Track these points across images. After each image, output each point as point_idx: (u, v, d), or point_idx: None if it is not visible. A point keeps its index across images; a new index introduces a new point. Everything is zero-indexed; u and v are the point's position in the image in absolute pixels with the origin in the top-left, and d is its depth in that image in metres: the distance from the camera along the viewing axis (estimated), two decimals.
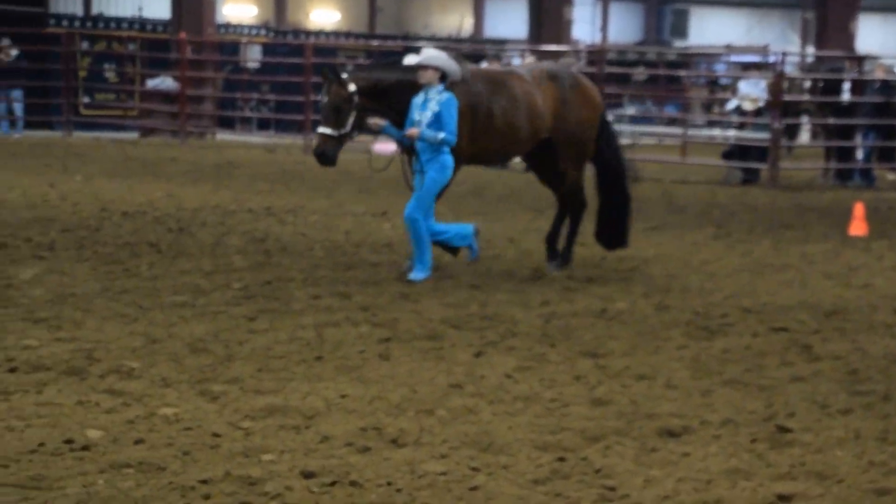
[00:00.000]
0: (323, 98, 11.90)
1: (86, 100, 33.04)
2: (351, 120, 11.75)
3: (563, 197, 13.08)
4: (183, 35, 30.82)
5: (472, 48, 35.22)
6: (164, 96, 31.97)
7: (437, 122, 11.54)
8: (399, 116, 11.80)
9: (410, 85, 11.75)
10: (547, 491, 5.92)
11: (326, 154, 11.73)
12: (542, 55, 28.58)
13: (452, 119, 11.56)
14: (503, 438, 6.70)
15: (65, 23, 33.84)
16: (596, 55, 27.91)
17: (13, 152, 25.11)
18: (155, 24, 35.23)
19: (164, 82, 32.19)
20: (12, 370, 7.79)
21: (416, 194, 11.70)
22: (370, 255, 13.22)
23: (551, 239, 13.01)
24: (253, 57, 34.13)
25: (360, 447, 6.46)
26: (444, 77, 11.70)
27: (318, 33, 44.10)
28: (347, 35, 45.17)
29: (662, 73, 35.83)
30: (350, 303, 10.55)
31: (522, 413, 7.29)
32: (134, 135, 31.73)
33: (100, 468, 5.93)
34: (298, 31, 44.10)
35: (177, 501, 5.53)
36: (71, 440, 6.32)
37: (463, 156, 12.16)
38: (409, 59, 12.10)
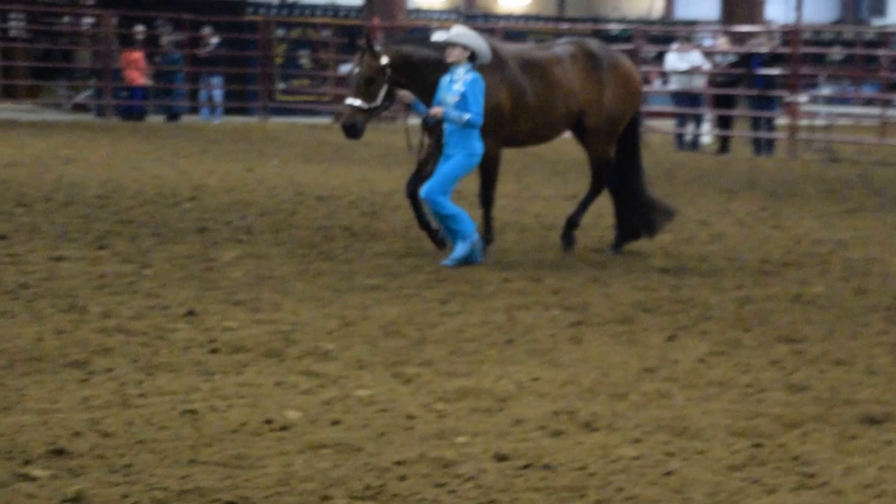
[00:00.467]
0: (354, 69, 11.51)
1: (281, 86, 33.74)
2: (382, 93, 11.35)
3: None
4: (376, 21, 31.20)
5: (662, 30, 34.78)
6: None
7: (463, 102, 11.08)
8: (427, 95, 11.44)
9: (440, 63, 11.39)
10: (744, 477, 5.83)
11: (356, 126, 11.29)
12: (735, 37, 28.08)
13: (478, 100, 11.10)
14: (697, 424, 6.62)
15: (262, 11, 34.61)
16: (790, 35, 27.28)
17: (213, 138, 25.79)
18: (348, 10, 35.77)
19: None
20: (214, 351, 8.00)
21: (437, 174, 11.25)
22: (560, 238, 13.18)
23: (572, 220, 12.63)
24: None
25: (552, 431, 6.45)
26: (473, 57, 11.21)
27: (507, 17, 44.15)
28: (537, 18, 45.13)
29: (860, 53, 34.86)
30: (541, 286, 10.55)
31: (717, 398, 7.19)
32: (328, 119, 32.27)
33: (298, 448, 6.06)
34: (488, 16, 44.24)
35: (373, 482, 5.61)
36: (270, 420, 6.47)
37: (499, 138, 11.81)
38: (438, 36, 11.66)
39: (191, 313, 9.04)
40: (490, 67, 11.60)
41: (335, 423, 6.50)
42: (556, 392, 7.23)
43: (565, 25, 38.61)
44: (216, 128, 29.08)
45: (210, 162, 20.49)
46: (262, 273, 10.81)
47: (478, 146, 11.22)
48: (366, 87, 11.30)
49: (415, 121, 11.43)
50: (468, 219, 11.29)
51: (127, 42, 30.94)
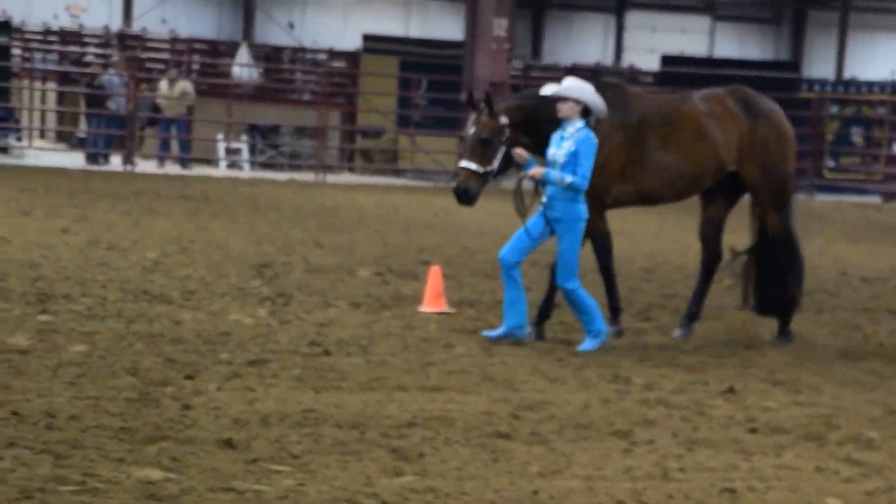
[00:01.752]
0: (469, 128, 10.73)
1: (830, 163, 33.20)
2: (499, 155, 10.54)
3: (711, 255, 11.42)
4: None
5: None
6: None
7: (572, 161, 10.16)
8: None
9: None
10: None
11: (468, 191, 10.52)
12: None
13: (588, 161, 10.14)
14: None
15: (817, 87, 34.26)
16: None
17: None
18: None
19: None
20: (753, 430, 8.05)
21: (559, 261, 10.37)
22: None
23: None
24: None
25: None
26: (587, 112, 10.30)
27: None
28: None
29: None
30: None
31: None
32: (877, 199, 31.40)
33: None
34: None
35: None
36: None
37: (612, 197, 10.86)
38: (547, 89, 10.69)
39: (730, 390, 9.14)
40: (615, 117, 10.70)
41: None
42: None
43: None
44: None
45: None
46: (803, 354, 10.74)
47: (582, 210, 10.32)
48: (481, 149, 10.54)
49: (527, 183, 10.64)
50: (600, 317, 10.52)
51: None
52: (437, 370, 9.36)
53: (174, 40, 38.91)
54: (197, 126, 30.12)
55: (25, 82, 32.72)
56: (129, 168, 27.60)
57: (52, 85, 32.46)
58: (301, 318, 11.16)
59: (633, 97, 11.13)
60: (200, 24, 42.41)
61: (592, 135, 10.22)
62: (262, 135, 30.74)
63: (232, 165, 30.12)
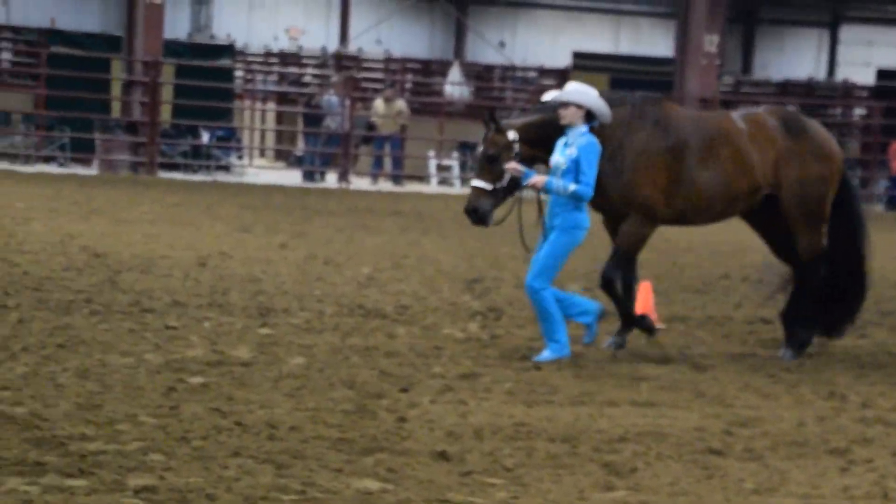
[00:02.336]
0: (479, 146, 10.44)
1: None
2: (508, 172, 10.19)
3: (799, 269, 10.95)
4: None
5: None
6: None
7: (574, 169, 9.83)
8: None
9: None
10: None
11: (479, 211, 10.21)
12: None
13: (592, 168, 9.82)
14: None
15: None
16: None
17: None
18: None
19: None
20: None
21: (539, 260, 9.95)
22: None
23: (787, 317, 10.89)
24: None
25: None
26: (591, 117, 9.95)
27: None
28: None
29: None
30: None
31: None
32: None
33: None
34: None
35: None
36: None
37: (655, 215, 10.46)
38: (549, 95, 10.28)
39: None
40: (650, 133, 10.43)
41: None
42: None
43: None
44: None
45: None
46: None
47: (582, 218, 10.00)
48: (490, 167, 10.25)
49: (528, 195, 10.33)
50: (563, 327, 10.08)
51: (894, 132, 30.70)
52: (649, 385, 9.34)
53: (388, 60, 39.63)
54: (409, 144, 30.60)
55: (247, 103, 33.75)
56: (343, 185, 28.23)
57: (271, 105, 33.42)
58: (512, 333, 11.26)
59: (670, 112, 10.81)
60: (414, 44, 43.08)
61: (596, 141, 9.97)
62: (473, 152, 31.03)
63: (443, 182, 30.51)
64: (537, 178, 10.00)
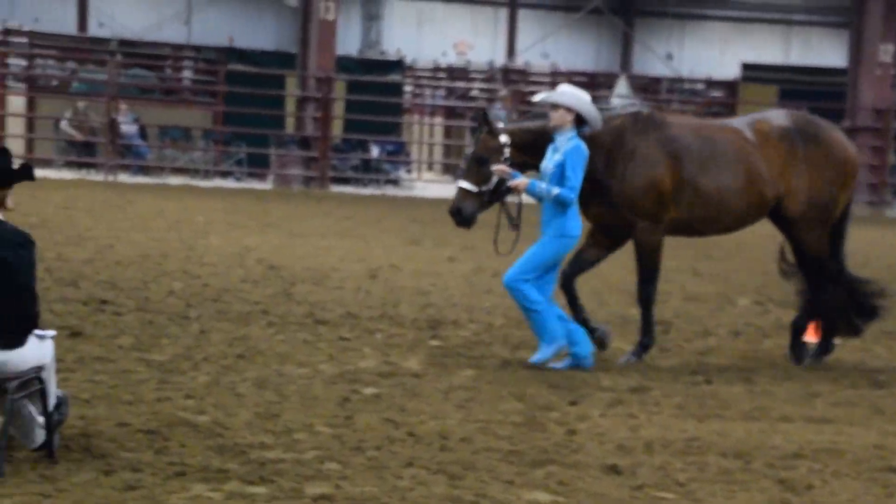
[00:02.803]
0: (470, 147, 10.17)
1: None
2: (496, 175, 10.00)
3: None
4: None
5: None
6: None
7: (559, 173, 9.67)
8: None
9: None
10: None
11: (462, 212, 10.08)
12: None
13: (576, 172, 9.66)
14: None
15: None
16: None
17: None
18: None
19: None
20: None
21: (523, 258, 9.71)
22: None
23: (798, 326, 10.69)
24: None
25: None
26: (581, 121, 9.74)
27: None
28: None
29: None
30: None
31: None
32: None
33: None
34: None
35: None
36: None
37: (661, 222, 10.20)
38: (538, 97, 9.94)
39: None
40: (651, 140, 10.15)
41: None
42: None
43: None
44: None
45: None
46: None
47: (571, 226, 9.79)
48: (477, 168, 10.09)
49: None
50: (555, 319, 9.75)
51: None
52: (823, 401, 9.21)
53: (555, 73, 39.65)
54: None
55: (415, 117, 34.12)
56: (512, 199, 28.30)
57: (439, 119, 33.73)
58: (681, 346, 11.20)
59: (669, 119, 10.59)
60: (580, 57, 43.01)
61: (583, 145, 9.79)
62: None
63: None
64: (520, 181, 9.88)
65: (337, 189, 28.29)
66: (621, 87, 36.39)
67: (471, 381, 9.38)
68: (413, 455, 7.32)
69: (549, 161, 9.84)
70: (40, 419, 6.85)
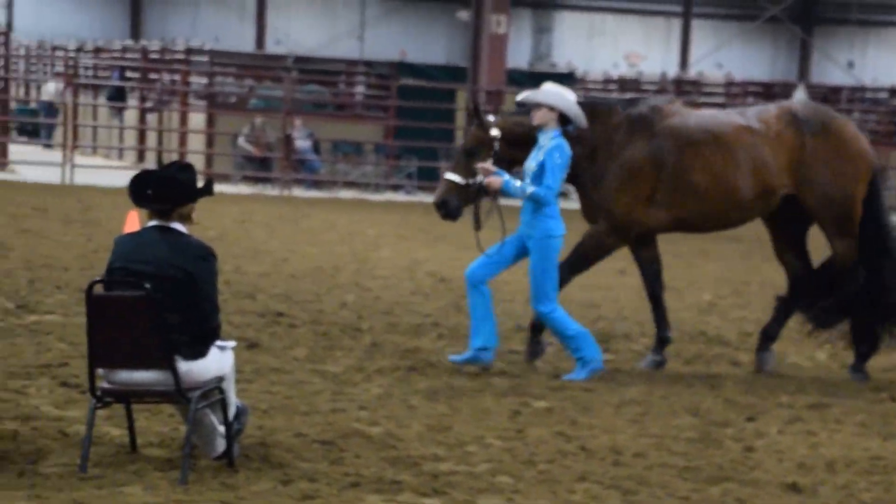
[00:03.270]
0: (461, 140, 9.18)
1: None
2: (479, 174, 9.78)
3: (797, 280, 10.40)
4: None
5: None
6: None
7: (539, 173, 9.51)
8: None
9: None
10: None
11: (447, 204, 9.91)
12: None
13: (556, 172, 9.48)
14: None
15: None
16: None
17: None
18: None
19: None
20: None
21: (532, 286, 9.68)
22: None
23: (767, 332, 10.23)
24: None
25: None
26: (566, 121, 9.53)
27: None
28: None
29: None
30: None
31: None
32: None
33: None
34: None
35: None
36: None
37: (638, 224, 9.87)
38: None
39: None
40: (636, 137, 9.83)
41: None
42: None
43: None
44: None
45: None
46: None
47: (554, 226, 9.65)
48: (466, 161, 9.90)
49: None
50: (592, 341, 9.56)
51: None
52: None
53: (729, 84, 39.14)
54: None
55: None
56: None
57: None
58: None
59: (664, 115, 10.15)
60: (755, 67, 42.41)
61: (565, 145, 9.60)
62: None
63: None
64: (493, 179, 9.68)
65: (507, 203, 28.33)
66: (799, 95, 35.72)
67: (643, 396, 9.28)
68: (586, 469, 7.25)
69: (532, 160, 9.76)
70: (221, 428, 6.98)
